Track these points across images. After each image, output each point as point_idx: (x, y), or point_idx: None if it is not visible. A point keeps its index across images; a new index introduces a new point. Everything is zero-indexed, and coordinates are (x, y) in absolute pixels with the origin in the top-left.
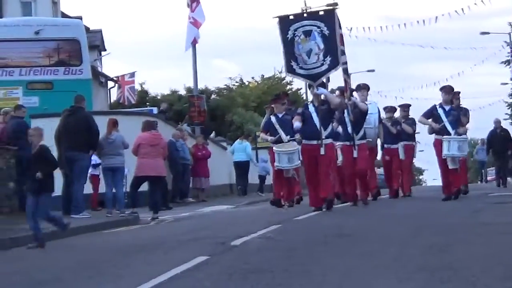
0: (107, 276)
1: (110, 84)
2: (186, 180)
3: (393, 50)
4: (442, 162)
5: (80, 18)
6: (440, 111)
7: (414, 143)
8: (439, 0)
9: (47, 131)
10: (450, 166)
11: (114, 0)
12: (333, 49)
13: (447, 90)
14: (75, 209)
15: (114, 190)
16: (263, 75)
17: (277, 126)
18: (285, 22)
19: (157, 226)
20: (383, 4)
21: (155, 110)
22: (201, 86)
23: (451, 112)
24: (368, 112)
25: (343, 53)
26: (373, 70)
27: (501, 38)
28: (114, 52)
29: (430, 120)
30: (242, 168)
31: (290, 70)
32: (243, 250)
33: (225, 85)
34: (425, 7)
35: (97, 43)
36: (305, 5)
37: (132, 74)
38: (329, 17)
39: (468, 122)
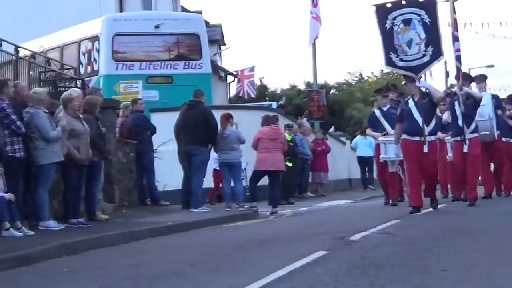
0: (226, 270)
1: (230, 78)
2: (305, 175)
3: None
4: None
5: (200, 12)
6: None
7: None
8: None
9: (166, 125)
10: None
11: None
12: (435, 38)
13: None
14: (194, 203)
15: (233, 185)
16: (382, 70)
17: (382, 119)
18: (382, 11)
19: (276, 221)
20: None
21: (274, 104)
22: (320, 81)
23: None
24: (481, 103)
25: (457, 39)
26: (492, 66)
27: None
28: (234, 46)
29: None
30: (367, 162)
31: (389, 62)
32: (362, 245)
33: (345, 80)
34: None
35: (217, 38)
36: None
37: (252, 69)
38: (430, 3)
39: None
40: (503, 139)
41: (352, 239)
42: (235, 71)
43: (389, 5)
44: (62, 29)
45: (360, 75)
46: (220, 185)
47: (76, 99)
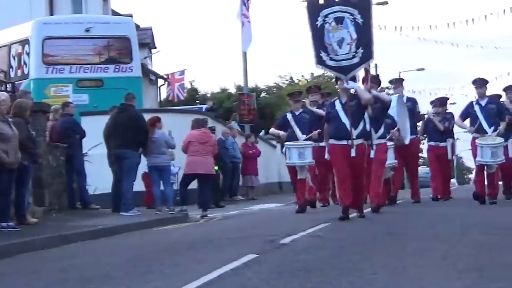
0: (157, 273)
1: (160, 82)
2: (235, 178)
3: (443, 49)
4: (477, 164)
5: (131, 15)
6: (476, 107)
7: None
8: None
9: (96, 129)
10: (487, 170)
11: None
12: (367, 40)
13: (479, 83)
14: (124, 207)
15: (162, 188)
16: (313, 73)
17: (293, 123)
18: (314, 7)
19: (206, 224)
20: (433, 2)
21: (204, 107)
22: (251, 84)
23: (488, 107)
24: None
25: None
26: (423, 69)
27: None
28: (164, 49)
29: (467, 120)
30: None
31: (319, 61)
32: (292, 248)
33: (275, 83)
34: (476, 5)
35: (147, 41)
36: None
37: (182, 72)
38: (363, 3)
39: None
40: (432, 143)
41: (282, 242)
42: (165, 75)
43: (321, 1)
44: None
45: (291, 78)
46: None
47: (3, 102)
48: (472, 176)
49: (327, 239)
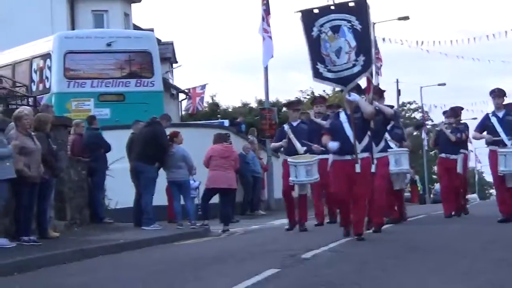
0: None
1: (181, 96)
2: (257, 193)
3: (464, 64)
4: (497, 178)
5: (152, 30)
6: (493, 120)
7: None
8: (509, 14)
9: (118, 143)
10: (509, 185)
11: (186, 12)
12: (367, 46)
13: (497, 94)
14: (145, 221)
15: (183, 203)
16: (334, 88)
17: (291, 136)
18: (309, 17)
19: (228, 238)
20: (454, 17)
21: (226, 122)
22: (272, 99)
23: (506, 119)
24: None
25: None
26: (444, 84)
27: None
28: (186, 64)
29: (484, 133)
30: None
31: (316, 75)
32: (314, 263)
33: (296, 97)
34: (495, 20)
35: (168, 55)
36: None
37: (204, 86)
38: (360, 8)
39: None
40: (443, 155)
41: (304, 257)
42: (186, 89)
43: (316, 10)
44: (14, 47)
45: (312, 93)
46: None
47: (26, 117)
48: (494, 191)
49: (349, 254)
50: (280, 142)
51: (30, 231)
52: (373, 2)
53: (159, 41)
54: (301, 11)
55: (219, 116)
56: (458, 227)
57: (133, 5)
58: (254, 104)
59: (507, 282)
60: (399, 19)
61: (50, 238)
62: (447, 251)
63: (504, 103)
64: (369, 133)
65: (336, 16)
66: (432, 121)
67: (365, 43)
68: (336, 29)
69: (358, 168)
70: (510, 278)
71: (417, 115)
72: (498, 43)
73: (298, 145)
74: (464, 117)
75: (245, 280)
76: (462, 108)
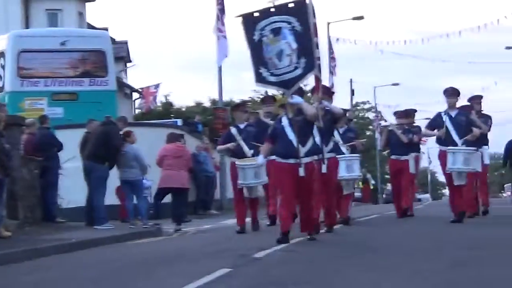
0: (130, 287)
1: (135, 95)
2: (210, 192)
3: (418, 64)
4: (448, 177)
5: (106, 29)
6: (445, 118)
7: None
8: (463, 14)
9: (71, 142)
10: (455, 182)
11: (141, 12)
12: (308, 48)
13: (450, 93)
14: (97, 220)
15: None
16: None
17: (239, 138)
18: (250, 21)
19: (180, 238)
20: (408, 18)
21: (179, 121)
22: (226, 98)
23: (458, 118)
24: None
25: (317, 46)
26: (398, 84)
27: None
28: (140, 63)
29: (435, 130)
30: None
31: (259, 79)
32: (266, 263)
33: (250, 97)
34: (449, 21)
35: (123, 55)
36: None
37: (157, 86)
38: (300, 9)
39: (489, 130)
40: (393, 156)
41: (255, 257)
42: (140, 88)
43: (256, 14)
44: None
45: (266, 92)
46: None
47: None
48: (446, 191)
49: (301, 253)
50: (228, 145)
51: None
52: (327, 1)
53: (113, 40)
54: (241, 15)
55: (172, 115)
56: (411, 227)
57: (87, 4)
58: (207, 104)
59: (461, 282)
60: (354, 19)
61: (2, 237)
62: (400, 251)
63: (457, 102)
64: (315, 136)
65: (277, 18)
66: (385, 121)
67: (306, 45)
68: (277, 31)
69: (301, 172)
70: (464, 278)
71: (371, 115)
72: (452, 44)
73: (245, 147)
74: (418, 117)
75: (197, 280)
76: (416, 111)
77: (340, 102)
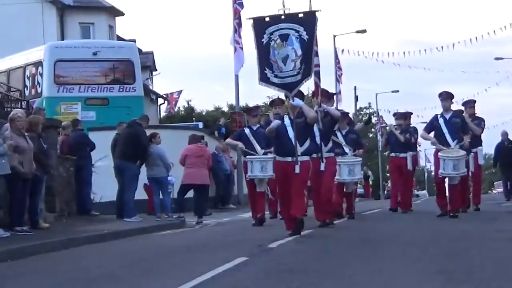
0: (157, 274)
1: (160, 100)
2: (227, 189)
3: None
4: (438, 178)
5: (134, 41)
6: (441, 121)
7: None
8: (457, 28)
9: (103, 143)
10: (449, 182)
11: (164, 25)
12: (308, 55)
13: (444, 97)
14: (127, 213)
15: (162, 197)
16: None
17: (252, 139)
18: (260, 25)
19: (201, 230)
20: (405, 31)
21: (200, 124)
22: (242, 103)
23: (452, 121)
24: None
25: (316, 54)
26: (397, 91)
27: None
28: (164, 71)
29: (432, 133)
30: None
31: (263, 78)
32: (279, 252)
33: (264, 103)
34: (444, 34)
35: (148, 64)
36: (283, 6)
37: (180, 92)
38: (309, 20)
39: (482, 132)
40: (393, 154)
41: (270, 247)
42: (165, 94)
43: (267, 19)
44: (9, 55)
45: (278, 98)
46: None
47: (19, 119)
48: None
49: (311, 244)
50: (237, 142)
51: (23, 222)
52: (333, 15)
53: (140, 51)
54: (252, 18)
55: (194, 119)
56: (409, 220)
57: (117, 18)
58: (225, 108)
59: (455, 270)
60: (357, 32)
61: (41, 229)
62: (400, 242)
63: (451, 105)
64: (314, 136)
65: (286, 25)
66: (386, 124)
67: (308, 53)
68: (284, 38)
69: (297, 169)
70: (458, 266)
71: (373, 119)
72: (446, 54)
73: (257, 147)
74: (415, 121)
75: (217, 267)
76: (411, 113)
77: (345, 107)
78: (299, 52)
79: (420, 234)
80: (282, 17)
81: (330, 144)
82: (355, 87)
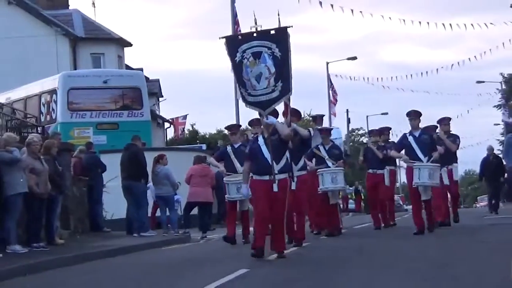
0: (165, 285)
1: (166, 125)
2: None
3: (403, 96)
4: (412, 192)
5: (141, 69)
6: (410, 138)
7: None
8: (440, 54)
9: (114, 164)
10: (423, 197)
11: (169, 55)
12: (286, 73)
13: (413, 116)
14: (142, 229)
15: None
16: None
17: (233, 157)
18: (233, 43)
19: (206, 244)
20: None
21: (204, 146)
22: (243, 127)
23: (421, 138)
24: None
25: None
26: (386, 113)
27: (494, 86)
28: (169, 97)
29: (402, 152)
30: None
31: (241, 98)
32: (278, 264)
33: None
34: (429, 59)
35: (155, 91)
36: (255, 23)
37: (185, 117)
38: (281, 37)
39: (457, 148)
40: (370, 171)
41: (269, 259)
42: (170, 119)
43: (240, 37)
44: (26, 84)
45: (256, 118)
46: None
47: (35, 143)
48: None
49: (307, 256)
50: (220, 165)
51: (40, 239)
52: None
53: (147, 78)
54: (225, 37)
55: (198, 141)
56: (398, 234)
57: (125, 48)
58: (227, 131)
59: (442, 279)
60: (348, 59)
61: (56, 245)
62: (390, 253)
63: (419, 123)
64: (287, 154)
65: (258, 43)
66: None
67: (283, 70)
68: (257, 55)
69: (275, 188)
70: (442, 275)
71: (364, 139)
72: (432, 78)
73: (237, 165)
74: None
75: (220, 279)
76: (390, 128)
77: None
78: (273, 70)
79: (409, 246)
80: (254, 34)
81: (301, 163)
82: (347, 110)
